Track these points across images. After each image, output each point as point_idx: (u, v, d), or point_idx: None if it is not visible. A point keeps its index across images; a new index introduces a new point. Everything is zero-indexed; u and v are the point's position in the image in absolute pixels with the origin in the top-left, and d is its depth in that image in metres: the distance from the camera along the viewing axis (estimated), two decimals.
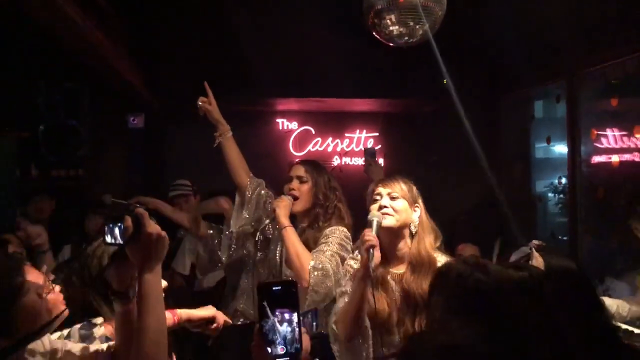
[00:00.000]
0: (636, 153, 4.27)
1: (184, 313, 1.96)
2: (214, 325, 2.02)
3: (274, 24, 4.66)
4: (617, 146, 4.38)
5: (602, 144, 4.44)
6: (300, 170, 2.86)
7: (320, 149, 5.42)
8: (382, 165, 5.36)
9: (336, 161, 5.37)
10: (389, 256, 2.30)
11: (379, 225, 2.22)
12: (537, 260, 1.87)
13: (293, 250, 2.58)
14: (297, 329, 1.28)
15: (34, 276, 1.71)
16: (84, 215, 4.67)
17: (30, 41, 4.24)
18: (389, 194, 2.31)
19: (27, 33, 4.07)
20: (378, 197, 2.32)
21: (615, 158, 4.32)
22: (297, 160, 3.09)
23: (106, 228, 1.54)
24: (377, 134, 5.45)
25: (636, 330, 2.62)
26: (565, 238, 4.93)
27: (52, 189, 4.76)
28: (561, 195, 5.07)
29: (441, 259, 2.29)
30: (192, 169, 4.97)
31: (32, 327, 1.46)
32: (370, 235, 2.14)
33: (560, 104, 4.75)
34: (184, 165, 5.07)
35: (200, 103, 3.09)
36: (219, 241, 3.60)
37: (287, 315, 1.28)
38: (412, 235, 2.32)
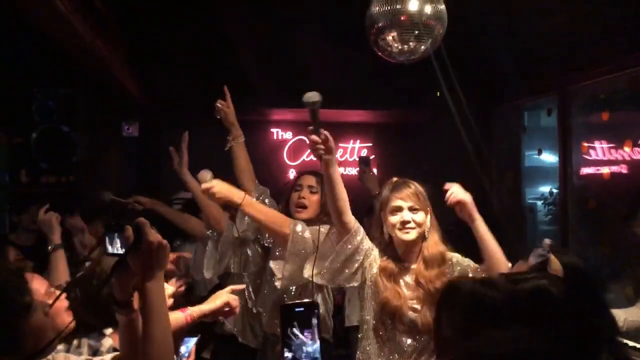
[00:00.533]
0: (624, 165, 4.37)
1: (196, 311, 1.96)
2: (227, 309, 2.06)
3: (270, 34, 4.70)
4: (606, 158, 4.47)
5: (591, 156, 4.53)
6: (312, 181, 2.90)
7: (314, 158, 5.44)
8: (376, 174, 5.42)
9: None
10: (404, 256, 2.44)
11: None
12: (555, 263, 1.91)
13: (264, 213, 2.64)
14: (318, 350, 1.31)
15: (37, 283, 1.71)
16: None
17: (27, 46, 4.25)
18: (409, 207, 2.40)
19: (24, 37, 4.07)
20: (398, 211, 2.40)
21: (605, 170, 4.41)
22: (304, 170, 3.10)
23: (107, 238, 1.53)
24: (370, 144, 5.50)
25: (630, 343, 2.67)
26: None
27: (41, 196, 4.74)
28: (551, 206, 5.15)
29: (454, 257, 2.46)
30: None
31: (38, 345, 1.46)
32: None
33: (551, 116, 4.85)
34: (178, 174, 5.07)
35: (219, 105, 3.16)
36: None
37: (308, 335, 1.31)
38: (424, 236, 2.44)
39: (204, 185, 2.59)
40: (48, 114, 5.04)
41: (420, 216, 2.40)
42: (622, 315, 3.03)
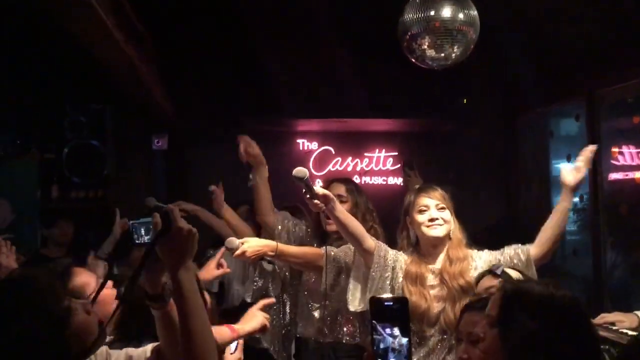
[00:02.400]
0: None
1: (241, 330, 1.99)
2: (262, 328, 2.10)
3: (295, 46, 4.76)
4: (634, 163, 4.44)
5: (619, 161, 4.50)
6: (341, 189, 2.90)
7: (340, 168, 5.48)
8: (402, 183, 5.43)
9: (356, 181, 5.42)
10: (428, 255, 2.52)
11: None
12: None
13: (297, 256, 2.73)
14: (407, 345, 1.31)
15: (86, 277, 1.73)
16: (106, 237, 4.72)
17: (60, 62, 4.35)
18: (436, 205, 2.48)
19: (57, 54, 4.18)
20: (425, 209, 2.48)
21: (637, 175, 4.37)
22: (333, 178, 3.09)
23: (132, 228, 1.49)
24: (396, 153, 5.51)
25: None
26: (580, 254, 4.97)
27: (71, 211, 4.82)
28: (580, 213, 5.10)
29: (475, 252, 2.52)
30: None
31: (84, 345, 1.42)
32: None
33: (579, 122, 4.83)
34: (206, 185, 5.13)
35: (243, 152, 3.14)
36: None
37: (397, 331, 1.32)
38: (449, 236, 2.52)
39: (236, 254, 2.64)
40: (79, 129, 5.15)
41: (447, 214, 2.48)
42: None
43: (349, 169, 5.50)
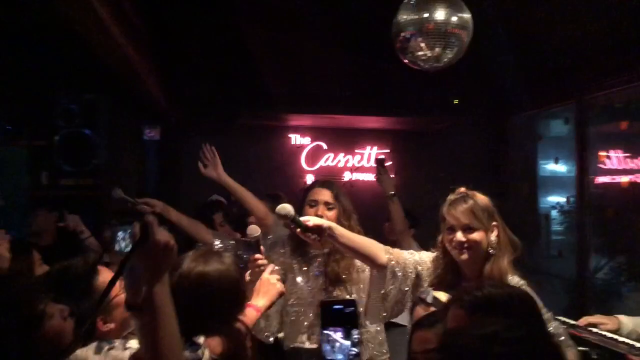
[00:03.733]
0: (639, 174, 4.40)
1: (263, 307, 1.97)
2: None
3: (289, 41, 4.78)
4: (621, 167, 4.51)
5: (606, 165, 4.57)
6: (328, 196, 2.65)
7: (332, 164, 5.52)
8: (391, 175, 5.47)
9: (347, 176, 5.47)
10: (463, 275, 2.24)
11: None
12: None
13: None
14: (356, 346, 1.34)
15: (106, 277, 1.74)
16: (100, 225, 4.73)
17: (52, 50, 4.33)
18: (464, 227, 2.16)
19: (50, 42, 4.16)
20: (452, 231, 2.19)
21: (624, 179, 4.44)
22: (315, 180, 2.89)
23: (117, 235, 1.48)
24: (388, 150, 5.55)
25: (638, 344, 2.71)
26: (565, 255, 5.05)
27: (61, 198, 4.81)
28: (566, 215, 5.18)
29: (513, 280, 2.19)
30: (207, 182, 5.05)
31: (56, 349, 1.45)
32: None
33: (567, 125, 4.90)
34: (200, 178, 5.15)
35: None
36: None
37: (346, 333, 1.34)
38: (489, 255, 2.18)
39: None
40: (71, 117, 5.13)
41: (477, 235, 2.15)
42: (628, 320, 3.05)
43: (340, 164, 5.53)
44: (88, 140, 5.17)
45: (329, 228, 2.20)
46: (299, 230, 2.18)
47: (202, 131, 5.20)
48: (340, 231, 2.24)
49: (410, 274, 2.29)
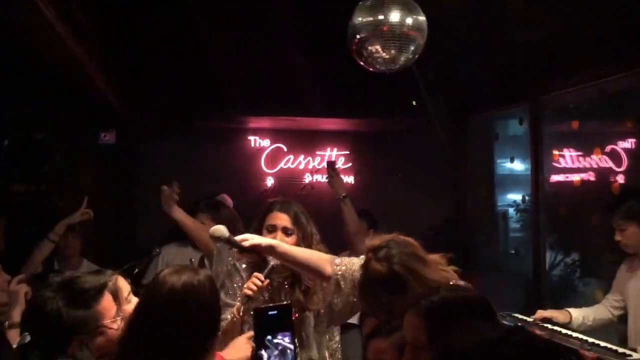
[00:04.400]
0: (592, 172, 4.52)
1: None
2: None
3: (248, 42, 4.73)
4: (575, 166, 4.63)
5: (560, 164, 4.68)
6: (286, 221, 2.49)
7: (292, 166, 5.49)
8: (353, 182, 5.49)
9: (307, 179, 5.45)
10: None
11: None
12: None
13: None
14: (292, 352, 1.31)
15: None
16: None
17: (2, 51, 4.19)
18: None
19: (0, 42, 4.02)
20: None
21: (576, 177, 4.56)
22: (272, 201, 2.61)
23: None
24: (347, 152, 5.56)
25: (589, 339, 2.81)
26: (522, 253, 5.16)
27: (12, 205, 4.67)
28: (523, 213, 5.29)
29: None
30: (162, 185, 4.96)
31: None
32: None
33: (522, 125, 5.00)
34: (155, 181, 5.04)
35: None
36: None
37: (283, 339, 1.31)
38: None
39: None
40: (20, 121, 4.98)
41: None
42: (591, 315, 3.18)
43: (301, 166, 5.51)
44: (39, 145, 5.03)
45: (269, 247, 2.16)
46: (237, 251, 2.14)
47: (158, 134, 5.12)
48: (283, 249, 2.20)
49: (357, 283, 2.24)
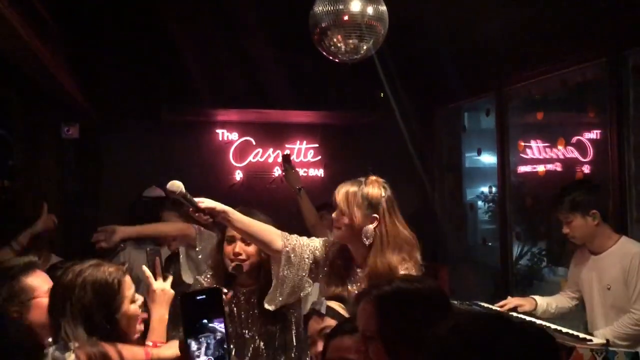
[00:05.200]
0: (558, 163, 4.59)
1: (156, 355, 1.83)
2: None
3: (214, 35, 4.67)
4: (541, 157, 4.69)
5: (527, 155, 4.74)
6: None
7: (261, 159, 5.45)
8: (322, 175, 5.48)
9: (277, 172, 5.41)
10: (353, 260, 2.34)
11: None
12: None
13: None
14: (223, 336, 1.26)
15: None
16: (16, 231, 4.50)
17: None
18: (338, 208, 2.28)
19: None
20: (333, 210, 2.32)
21: (540, 168, 4.61)
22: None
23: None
24: (317, 145, 5.54)
25: (552, 326, 2.87)
26: (491, 244, 5.22)
27: None
28: (490, 204, 5.35)
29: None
30: (128, 180, 4.89)
31: None
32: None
33: (489, 117, 5.04)
34: (120, 176, 4.98)
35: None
36: None
37: (215, 326, 1.26)
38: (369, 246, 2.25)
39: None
40: None
41: (345, 218, 2.27)
42: (554, 303, 3.24)
43: (270, 160, 5.48)
44: (1, 140, 4.92)
45: (223, 212, 2.17)
46: (191, 210, 2.14)
47: (124, 128, 5.03)
48: (236, 216, 2.21)
49: (307, 260, 2.32)
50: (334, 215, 2.31)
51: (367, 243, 2.23)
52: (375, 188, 2.32)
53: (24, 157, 4.95)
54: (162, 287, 2.07)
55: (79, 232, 4.96)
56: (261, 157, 5.46)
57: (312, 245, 2.38)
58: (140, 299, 1.91)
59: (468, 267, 5.27)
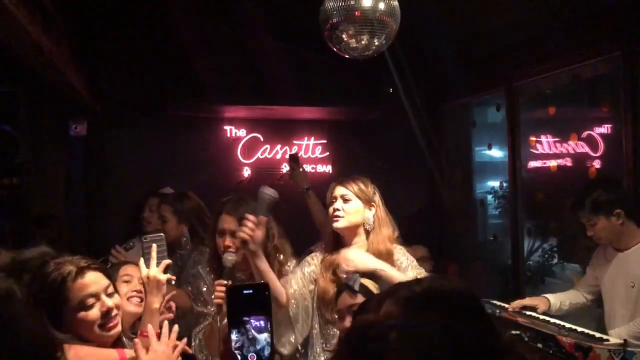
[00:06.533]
0: (569, 158, 4.54)
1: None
2: None
3: (222, 31, 4.64)
4: (552, 152, 4.64)
5: (538, 150, 4.69)
6: (232, 224, 2.51)
7: (269, 156, 5.42)
8: (331, 171, 5.45)
9: (285, 168, 5.38)
10: (347, 245, 2.52)
11: (269, 205, 2.33)
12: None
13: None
14: (269, 334, 1.23)
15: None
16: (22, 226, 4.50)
17: None
18: (342, 196, 2.50)
19: None
20: (334, 200, 2.52)
21: (552, 163, 4.57)
22: (224, 201, 2.63)
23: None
24: (324, 140, 5.51)
25: (567, 325, 2.83)
26: (500, 239, 5.17)
27: None
28: (501, 199, 5.29)
29: (398, 251, 2.54)
30: (135, 177, 4.87)
31: None
32: (246, 227, 2.27)
33: (499, 112, 4.99)
34: (128, 173, 4.96)
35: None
36: None
37: (259, 321, 1.24)
38: (367, 231, 2.51)
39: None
40: None
41: (352, 205, 2.49)
42: (567, 300, 3.21)
43: (278, 156, 5.45)
44: (8, 137, 4.90)
45: (254, 253, 2.29)
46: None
47: (130, 124, 5.01)
48: (261, 261, 2.32)
49: (309, 292, 2.49)
50: (336, 206, 2.49)
51: (369, 229, 2.50)
52: (366, 181, 2.59)
53: (31, 155, 4.95)
54: (153, 274, 2.07)
55: (87, 230, 4.96)
56: (269, 153, 5.43)
57: (308, 272, 2.53)
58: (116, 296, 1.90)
59: (477, 263, 5.23)
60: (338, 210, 2.48)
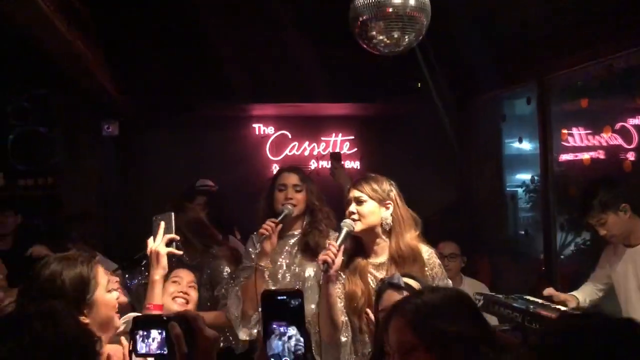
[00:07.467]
0: (601, 151, 4.46)
1: None
2: None
3: (250, 29, 4.67)
4: (584, 144, 4.56)
5: (570, 143, 4.61)
6: (295, 179, 2.78)
7: (297, 153, 5.45)
8: (359, 167, 5.45)
9: (313, 165, 5.40)
10: (368, 250, 2.47)
11: (348, 234, 2.37)
12: None
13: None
14: (302, 342, 1.20)
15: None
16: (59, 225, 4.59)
17: (2, 46, 4.15)
18: (356, 199, 2.43)
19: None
20: (349, 204, 2.46)
21: (585, 156, 4.49)
22: (281, 167, 2.97)
23: (137, 336, 1.25)
24: (352, 137, 5.51)
25: None
26: (532, 234, 5.11)
27: (19, 199, 4.67)
28: (532, 193, 5.23)
29: (424, 248, 2.43)
30: (167, 176, 4.94)
31: None
32: (329, 250, 2.29)
33: (530, 105, 4.92)
34: (159, 173, 5.04)
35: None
36: None
37: (291, 329, 1.20)
38: (388, 231, 2.43)
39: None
40: (23, 115, 4.96)
41: (366, 207, 2.42)
42: (587, 297, 3.23)
43: (306, 153, 5.47)
44: (44, 138, 5.02)
45: (330, 277, 2.32)
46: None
47: (162, 124, 5.09)
48: (334, 287, 2.35)
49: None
50: (351, 209, 2.42)
51: (387, 228, 2.41)
52: (379, 180, 2.49)
53: (66, 155, 5.06)
54: (155, 248, 2.16)
55: (120, 228, 5.06)
56: (297, 150, 5.46)
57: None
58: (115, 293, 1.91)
59: (509, 258, 5.18)
60: (353, 213, 2.40)
